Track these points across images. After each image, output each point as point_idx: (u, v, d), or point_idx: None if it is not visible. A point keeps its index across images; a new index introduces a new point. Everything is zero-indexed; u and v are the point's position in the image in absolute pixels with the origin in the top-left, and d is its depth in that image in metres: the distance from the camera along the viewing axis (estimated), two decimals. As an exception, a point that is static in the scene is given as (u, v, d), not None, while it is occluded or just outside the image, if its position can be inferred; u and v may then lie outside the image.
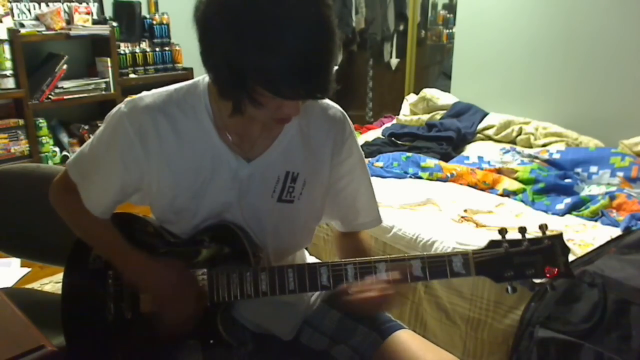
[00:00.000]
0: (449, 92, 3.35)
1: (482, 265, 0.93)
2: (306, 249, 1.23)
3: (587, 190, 2.17)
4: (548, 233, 0.94)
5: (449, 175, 2.36)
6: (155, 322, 1.02)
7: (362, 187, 1.15)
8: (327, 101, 1.08)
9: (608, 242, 1.67)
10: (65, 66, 3.16)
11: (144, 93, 1.01)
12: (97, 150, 1.04)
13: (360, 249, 1.16)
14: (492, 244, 0.94)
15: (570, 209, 2.01)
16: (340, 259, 1.00)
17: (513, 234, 0.95)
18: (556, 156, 2.40)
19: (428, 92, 3.25)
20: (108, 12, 3.51)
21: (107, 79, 3.35)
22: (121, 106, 1.00)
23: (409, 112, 3.33)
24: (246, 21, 0.78)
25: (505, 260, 0.93)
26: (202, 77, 1.01)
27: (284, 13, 0.77)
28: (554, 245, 0.93)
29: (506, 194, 2.18)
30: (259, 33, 0.77)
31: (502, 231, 0.94)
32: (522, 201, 2.12)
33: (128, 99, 1.02)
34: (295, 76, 0.79)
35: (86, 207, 1.06)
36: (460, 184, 2.30)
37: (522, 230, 0.94)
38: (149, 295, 1.04)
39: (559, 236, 0.94)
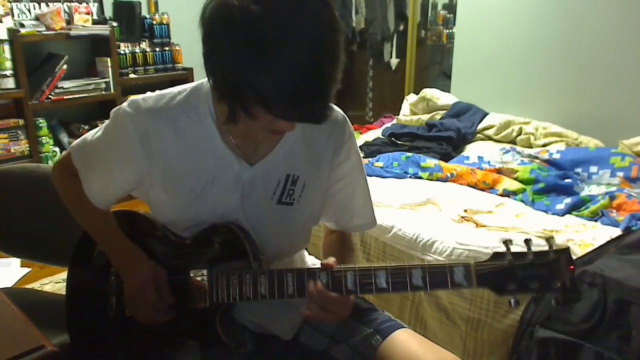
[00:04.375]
0: (449, 92, 3.35)
1: (484, 277, 0.91)
2: (305, 249, 1.23)
3: (587, 190, 2.17)
4: (555, 247, 0.90)
5: (449, 175, 2.35)
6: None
7: (358, 190, 1.15)
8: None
9: (608, 242, 1.67)
10: (65, 66, 3.16)
11: (148, 94, 1.01)
12: (99, 143, 1.04)
13: (345, 242, 1.18)
14: (496, 256, 0.91)
15: (570, 209, 2.01)
16: (324, 253, 0.98)
17: (517, 237, 0.92)
18: (556, 156, 2.40)
19: (428, 92, 3.25)
20: (108, 12, 3.51)
21: (107, 79, 3.36)
22: (125, 105, 1.00)
23: (409, 112, 3.33)
24: (246, 38, 0.75)
25: (509, 273, 0.90)
26: (205, 79, 1.01)
27: (284, 35, 0.74)
28: (560, 259, 0.89)
29: (506, 194, 2.18)
30: (256, 52, 0.75)
31: (507, 243, 0.91)
32: (522, 201, 2.12)
33: (132, 98, 1.01)
34: (288, 101, 0.78)
35: (86, 195, 1.07)
36: (460, 184, 2.30)
37: (528, 242, 0.91)
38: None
39: (566, 250, 0.90)
